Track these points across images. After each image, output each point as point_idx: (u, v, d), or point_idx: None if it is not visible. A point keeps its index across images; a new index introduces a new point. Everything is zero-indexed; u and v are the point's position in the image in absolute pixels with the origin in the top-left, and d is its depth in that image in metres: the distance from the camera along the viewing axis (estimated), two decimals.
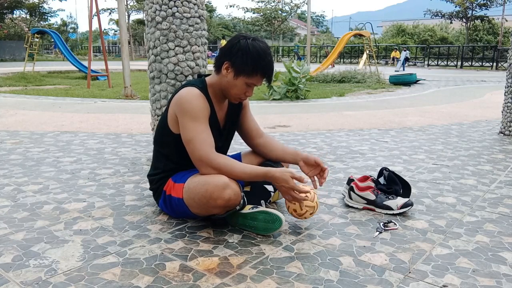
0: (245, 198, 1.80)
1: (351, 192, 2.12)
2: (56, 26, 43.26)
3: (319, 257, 1.60)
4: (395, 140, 3.89)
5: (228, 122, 1.97)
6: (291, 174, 1.71)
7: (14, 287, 1.36)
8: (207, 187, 1.66)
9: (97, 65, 14.73)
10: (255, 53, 1.72)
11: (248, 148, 2.11)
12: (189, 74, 2.64)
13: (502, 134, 4.20)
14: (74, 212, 2.01)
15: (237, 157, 2.06)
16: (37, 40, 15.94)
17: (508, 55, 4.17)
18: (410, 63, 24.59)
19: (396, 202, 2.03)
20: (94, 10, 9.36)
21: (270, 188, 1.96)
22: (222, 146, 1.97)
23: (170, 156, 1.89)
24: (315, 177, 1.90)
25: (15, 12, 34.08)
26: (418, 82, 11.64)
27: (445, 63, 25.81)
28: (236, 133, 2.09)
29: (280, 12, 36.77)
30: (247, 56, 1.72)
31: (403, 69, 19.39)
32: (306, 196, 1.76)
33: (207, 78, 1.89)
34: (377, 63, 18.17)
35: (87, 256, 1.57)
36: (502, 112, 4.22)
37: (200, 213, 1.79)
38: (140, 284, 1.38)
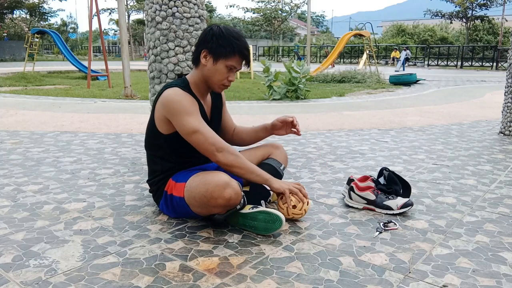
0: (245, 198, 1.81)
1: (351, 192, 2.12)
2: (56, 26, 43.33)
3: (319, 257, 1.60)
4: (395, 140, 3.89)
5: (214, 115, 2.03)
6: (290, 190, 1.82)
7: (14, 287, 1.36)
8: (208, 186, 1.66)
9: (97, 65, 14.73)
10: (229, 34, 1.78)
11: (243, 148, 2.16)
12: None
13: (502, 134, 4.20)
14: (74, 212, 2.01)
15: None
16: (37, 40, 15.94)
17: (508, 55, 4.17)
18: (410, 63, 24.60)
19: (396, 202, 2.03)
20: (94, 10, 9.38)
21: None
22: None
23: (166, 157, 1.90)
24: (293, 130, 2.09)
25: (15, 12, 34.10)
26: (418, 82, 11.64)
27: (445, 63, 25.82)
28: None
29: (280, 12, 36.79)
30: (223, 39, 1.77)
31: (403, 69, 19.39)
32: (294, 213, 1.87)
33: (187, 76, 1.92)
34: (377, 63, 18.17)
35: (87, 256, 1.57)
36: (502, 112, 4.22)
37: (201, 212, 1.79)
38: (140, 284, 1.38)
